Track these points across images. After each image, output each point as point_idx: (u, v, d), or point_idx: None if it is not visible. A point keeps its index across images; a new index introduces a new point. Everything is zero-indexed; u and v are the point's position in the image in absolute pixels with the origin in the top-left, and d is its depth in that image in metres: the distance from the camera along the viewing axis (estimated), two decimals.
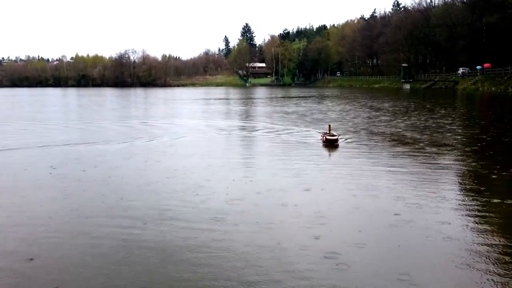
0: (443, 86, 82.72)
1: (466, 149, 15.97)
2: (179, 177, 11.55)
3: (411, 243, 6.79)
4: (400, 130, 22.31)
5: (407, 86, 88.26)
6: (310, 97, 65.81)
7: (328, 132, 18.02)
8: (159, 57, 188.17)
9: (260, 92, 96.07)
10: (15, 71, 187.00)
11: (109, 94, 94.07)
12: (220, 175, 11.63)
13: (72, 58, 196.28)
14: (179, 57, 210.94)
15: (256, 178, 11.32)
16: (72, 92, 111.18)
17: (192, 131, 23.07)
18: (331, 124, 19.03)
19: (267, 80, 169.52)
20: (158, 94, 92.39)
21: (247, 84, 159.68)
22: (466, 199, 9.23)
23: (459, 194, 9.63)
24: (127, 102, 62.91)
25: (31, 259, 6.52)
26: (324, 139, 17.07)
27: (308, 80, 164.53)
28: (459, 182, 10.88)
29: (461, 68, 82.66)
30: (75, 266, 6.26)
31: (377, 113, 33.70)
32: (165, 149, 16.64)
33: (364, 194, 9.54)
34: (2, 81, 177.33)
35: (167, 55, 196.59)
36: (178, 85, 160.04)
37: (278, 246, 6.71)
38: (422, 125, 24.77)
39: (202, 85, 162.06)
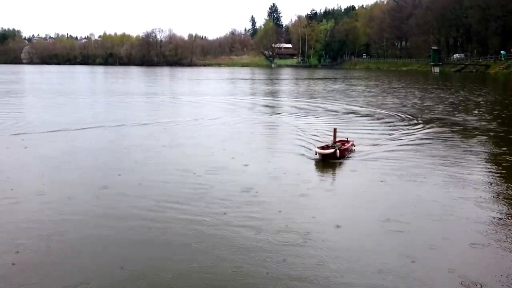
0: (474, 70, 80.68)
1: None
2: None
3: None
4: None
5: (437, 70, 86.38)
6: (348, 78, 65.23)
7: (333, 141, 14.19)
8: (186, 37, 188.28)
9: (287, 73, 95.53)
10: (45, 48, 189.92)
11: (144, 73, 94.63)
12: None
13: (100, 37, 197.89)
14: (205, 37, 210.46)
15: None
16: (106, 70, 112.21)
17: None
18: (336, 128, 14.81)
19: (293, 61, 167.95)
20: (192, 73, 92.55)
21: (272, 65, 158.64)
22: None
23: None
24: (174, 84, 63.50)
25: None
26: (316, 153, 13.17)
27: (335, 62, 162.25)
28: None
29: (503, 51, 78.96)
30: None
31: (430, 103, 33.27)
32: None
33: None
34: (32, 58, 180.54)
35: (193, 34, 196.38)
36: (204, 65, 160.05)
37: None
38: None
39: (227, 65, 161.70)
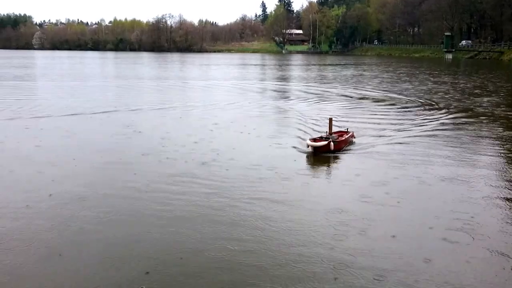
0: (487, 57, 79.59)
1: None
2: None
3: None
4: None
5: (449, 56, 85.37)
6: (360, 64, 64.78)
7: (328, 132, 12.94)
8: (196, 22, 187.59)
9: (298, 59, 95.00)
10: (56, 34, 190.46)
11: (155, 59, 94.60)
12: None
13: (110, 22, 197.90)
14: (215, 23, 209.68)
15: None
16: (118, 56, 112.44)
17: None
18: (332, 118, 13.57)
19: (304, 47, 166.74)
20: (202, 59, 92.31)
21: (283, 51, 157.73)
22: None
23: None
24: (187, 69, 63.48)
25: None
26: (307, 145, 11.95)
27: (346, 48, 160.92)
28: None
29: None
30: None
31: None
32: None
33: None
34: (43, 44, 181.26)
35: (204, 20, 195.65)
36: (214, 51, 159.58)
37: None
38: None
39: (238, 51, 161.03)
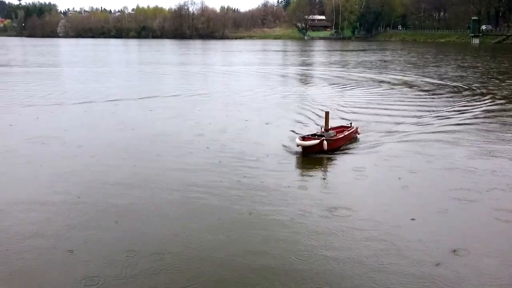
0: None
1: None
2: None
3: None
4: None
5: (476, 41, 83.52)
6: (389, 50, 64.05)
7: (324, 128, 11.11)
8: (218, 9, 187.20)
9: (320, 45, 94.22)
10: (80, 22, 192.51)
11: (178, 46, 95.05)
12: None
13: (133, 10, 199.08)
14: (237, 9, 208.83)
15: None
16: (141, 43, 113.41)
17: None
18: (328, 112, 11.68)
19: (326, 33, 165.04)
20: (225, 46, 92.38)
21: (305, 37, 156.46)
22: None
23: None
24: (214, 56, 63.80)
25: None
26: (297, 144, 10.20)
27: (369, 34, 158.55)
28: None
29: None
30: None
31: None
32: None
33: None
34: (68, 32, 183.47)
35: (226, 6, 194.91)
36: (236, 38, 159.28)
37: None
38: None
39: (260, 37, 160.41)
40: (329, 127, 11.18)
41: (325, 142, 9.98)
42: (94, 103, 17.62)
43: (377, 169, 9.31)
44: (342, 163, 9.84)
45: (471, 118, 14.60)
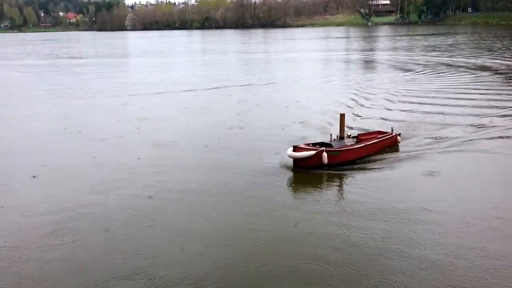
0: None
1: None
2: None
3: None
4: None
5: None
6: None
7: (339, 135, 8.97)
8: None
9: (385, 31, 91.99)
10: (146, 15, 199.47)
11: (242, 35, 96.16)
12: None
13: (196, 1, 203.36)
14: None
15: None
16: (205, 33, 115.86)
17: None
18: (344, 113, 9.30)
19: (391, 18, 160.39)
20: (287, 34, 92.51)
21: (369, 23, 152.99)
22: None
23: None
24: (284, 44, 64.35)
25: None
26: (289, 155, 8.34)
27: (437, 18, 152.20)
28: None
29: None
30: None
31: None
32: None
33: None
34: (135, 25, 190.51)
35: None
36: (298, 26, 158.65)
37: None
38: None
39: (321, 25, 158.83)
40: (358, 133, 9.32)
41: (324, 154, 7.88)
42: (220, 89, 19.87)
43: (393, 205, 6.65)
44: (333, 189, 7.45)
45: None
